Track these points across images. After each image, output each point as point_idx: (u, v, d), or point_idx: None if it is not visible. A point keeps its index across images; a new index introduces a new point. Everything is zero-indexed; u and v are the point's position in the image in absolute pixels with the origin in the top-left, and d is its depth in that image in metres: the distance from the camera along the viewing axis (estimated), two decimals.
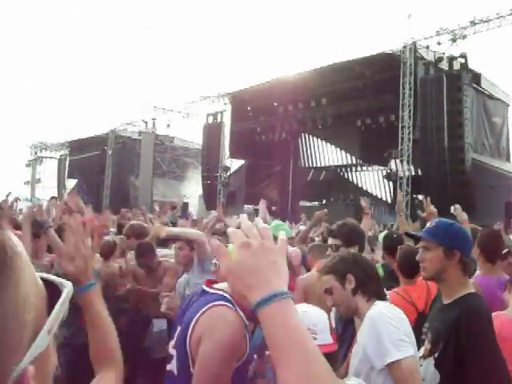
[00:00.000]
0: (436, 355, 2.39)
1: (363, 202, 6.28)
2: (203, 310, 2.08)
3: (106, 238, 5.71)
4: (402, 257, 4.03)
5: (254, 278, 0.99)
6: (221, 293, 2.18)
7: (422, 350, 2.54)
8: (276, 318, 0.94)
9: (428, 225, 2.78)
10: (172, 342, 2.24)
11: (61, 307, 0.75)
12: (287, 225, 6.04)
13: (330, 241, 3.85)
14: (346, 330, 3.40)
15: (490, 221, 12.24)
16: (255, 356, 2.42)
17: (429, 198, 5.21)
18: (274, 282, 0.98)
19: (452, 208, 5.34)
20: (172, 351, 2.22)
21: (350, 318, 2.79)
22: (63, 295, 0.77)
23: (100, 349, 1.72)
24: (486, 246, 3.99)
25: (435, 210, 5.07)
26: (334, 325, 3.72)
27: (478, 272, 4.02)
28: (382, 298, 2.53)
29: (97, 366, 1.70)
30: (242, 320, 2.11)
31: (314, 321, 1.98)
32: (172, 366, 2.20)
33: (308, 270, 5.57)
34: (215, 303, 2.10)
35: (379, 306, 2.39)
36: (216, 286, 2.29)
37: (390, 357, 2.15)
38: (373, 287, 2.51)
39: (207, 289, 2.23)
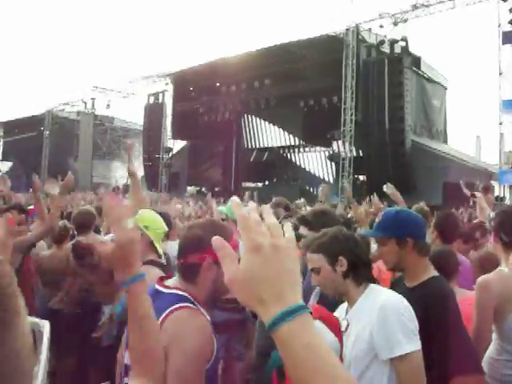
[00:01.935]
0: None
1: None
2: (164, 315, 1.93)
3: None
4: None
5: (266, 290, 0.84)
6: (179, 292, 2.05)
7: None
8: (295, 339, 0.81)
9: (376, 219, 2.79)
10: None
11: (46, 352, 0.69)
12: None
13: (304, 231, 3.36)
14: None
15: (429, 201, 12.63)
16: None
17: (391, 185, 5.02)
18: (288, 295, 0.84)
19: (384, 187, 5.10)
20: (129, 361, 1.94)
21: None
22: (45, 338, 0.70)
23: (139, 348, 1.55)
24: (444, 227, 4.03)
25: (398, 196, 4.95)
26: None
27: None
28: (372, 281, 2.42)
29: (133, 367, 1.54)
30: (206, 320, 2.02)
31: None
32: None
33: None
34: (176, 306, 1.96)
35: (388, 295, 2.29)
36: (167, 283, 2.15)
37: (400, 349, 2.10)
38: (365, 271, 2.39)
39: (161, 288, 2.08)
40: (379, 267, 3.54)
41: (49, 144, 32.28)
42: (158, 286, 2.09)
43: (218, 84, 26.88)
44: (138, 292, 1.50)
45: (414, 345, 2.12)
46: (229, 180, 29.81)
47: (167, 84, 28.01)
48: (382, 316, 2.16)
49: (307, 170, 29.65)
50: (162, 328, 1.88)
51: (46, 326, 0.71)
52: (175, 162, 28.69)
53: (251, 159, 31.63)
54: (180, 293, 2.04)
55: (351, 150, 20.77)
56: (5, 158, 37.51)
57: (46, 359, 0.68)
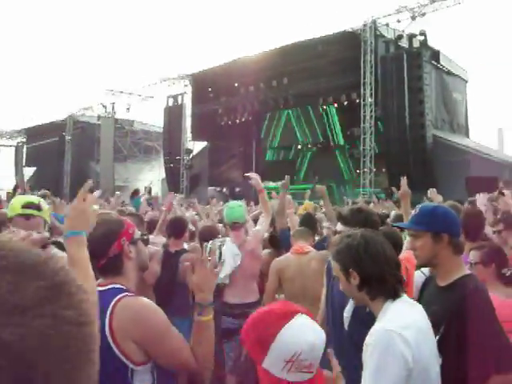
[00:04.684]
0: (437, 338, 2.36)
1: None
2: (110, 308, 2.03)
3: None
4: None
5: None
6: (115, 286, 2.17)
7: None
8: None
9: (412, 212, 2.74)
10: None
11: None
12: (243, 205, 5.64)
13: (341, 227, 3.36)
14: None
15: (452, 196, 12.43)
16: None
17: (405, 178, 5.09)
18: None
19: (428, 192, 5.45)
20: None
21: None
22: None
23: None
24: (469, 224, 3.94)
25: (409, 190, 5.00)
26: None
27: None
28: (396, 296, 2.15)
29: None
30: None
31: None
32: None
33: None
34: (118, 297, 2.08)
35: (383, 327, 2.01)
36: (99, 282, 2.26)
37: None
38: (379, 287, 2.14)
39: (98, 288, 2.14)
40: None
41: (71, 148, 32.74)
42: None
43: (236, 84, 26.83)
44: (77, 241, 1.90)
45: None
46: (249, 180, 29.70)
47: (186, 86, 28.10)
48: (370, 351, 1.98)
49: (327, 166, 29.45)
50: (114, 317, 2.02)
51: None
52: (196, 164, 28.75)
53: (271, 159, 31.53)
54: (116, 286, 2.17)
55: (371, 147, 20.61)
56: (28, 164, 37.99)
57: None
